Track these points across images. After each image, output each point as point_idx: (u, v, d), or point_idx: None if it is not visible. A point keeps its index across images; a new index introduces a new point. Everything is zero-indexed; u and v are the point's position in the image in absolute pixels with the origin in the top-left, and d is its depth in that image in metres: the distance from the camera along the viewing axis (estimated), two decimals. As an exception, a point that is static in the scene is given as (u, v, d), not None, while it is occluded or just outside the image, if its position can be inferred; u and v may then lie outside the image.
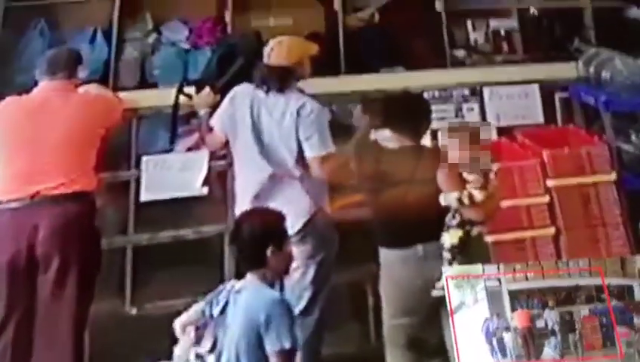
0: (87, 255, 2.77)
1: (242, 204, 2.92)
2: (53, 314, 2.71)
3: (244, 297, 2.14)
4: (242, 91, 3.03)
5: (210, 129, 3.07)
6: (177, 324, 2.20)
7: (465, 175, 2.52)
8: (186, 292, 2.81)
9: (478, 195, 2.48)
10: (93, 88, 3.21)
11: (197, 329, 2.18)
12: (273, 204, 2.65)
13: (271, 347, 2.00)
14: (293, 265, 2.42)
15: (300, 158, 2.92)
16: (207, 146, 3.17)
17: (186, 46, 4.12)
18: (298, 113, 2.89)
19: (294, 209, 2.71)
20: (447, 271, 2.54)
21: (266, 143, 2.93)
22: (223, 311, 2.16)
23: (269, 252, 2.17)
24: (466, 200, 2.47)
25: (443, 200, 2.52)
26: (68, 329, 2.71)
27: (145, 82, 4.01)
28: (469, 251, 2.52)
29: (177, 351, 2.18)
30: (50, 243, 2.71)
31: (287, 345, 2.00)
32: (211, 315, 2.17)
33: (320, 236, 2.94)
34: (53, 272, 2.70)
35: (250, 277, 2.20)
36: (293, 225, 2.62)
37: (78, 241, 2.75)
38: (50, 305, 2.71)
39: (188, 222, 3.30)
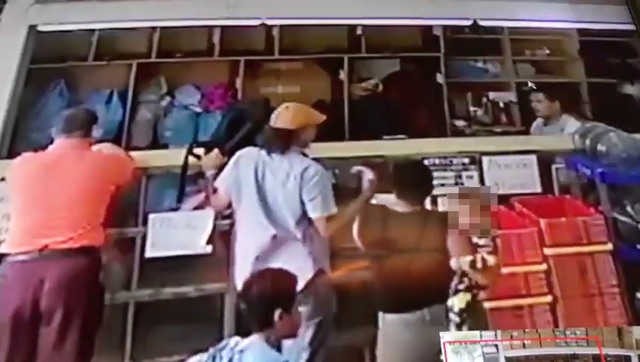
0: (90, 309, 2.82)
1: (243, 264, 2.99)
2: (53, 367, 2.73)
3: (247, 357, 2.15)
4: (247, 154, 3.14)
5: (215, 190, 3.16)
6: None
7: (475, 239, 2.58)
8: (184, 349, 2.79)
9: (491, 259, 2.57)
10: (106, 147, 3.34)
11: None
12: (275, 265, 2.73)
13: None
14: None
15: (303, 220, 3.00)
16: (212, 207, 3.25)
17: (198, 109, 4.25)
18: (302, 176, 3.00)
19: (295, 270, 2.71)
20: (445, 336, 2.56)
21: (270, 204, 3.02)
22: None
23: (276, 315, 2.20)
24: (479, 265, 2.56)
25: (454, 265, 2.59)
26: (66, 383, 2.71)
27: (156, 143, 4.13)
28: (474, 315, 2.58)
29: None
30: (55, 296, 2.76)
31: None
32: None
33: (319, 298, 2.97)
34: (56, 325, 2.73)
35: (254, 337, 2.21)
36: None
37: (82, 295, 2.80)
38: (50, 358, 2.72)
39: (190, 280, 3.33)
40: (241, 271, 2.96)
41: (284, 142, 3.06)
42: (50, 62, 4.20)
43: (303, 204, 2.99)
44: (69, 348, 2.73)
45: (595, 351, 2.50)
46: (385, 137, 4.00)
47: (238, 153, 3.17)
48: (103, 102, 4.16)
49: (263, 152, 3.10)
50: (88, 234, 2.92)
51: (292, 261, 2.87)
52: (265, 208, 3.02)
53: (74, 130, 3.11)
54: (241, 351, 2.19)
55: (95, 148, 3.23)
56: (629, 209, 3.59)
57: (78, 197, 2.96)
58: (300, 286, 2.84)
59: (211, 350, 2.24)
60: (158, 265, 3.25)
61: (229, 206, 3.17)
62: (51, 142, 3.16)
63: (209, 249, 3.21)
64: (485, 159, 3.78)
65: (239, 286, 2.92)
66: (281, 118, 3.10)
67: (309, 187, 2.99)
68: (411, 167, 3.10)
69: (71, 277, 2.79)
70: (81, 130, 3.12)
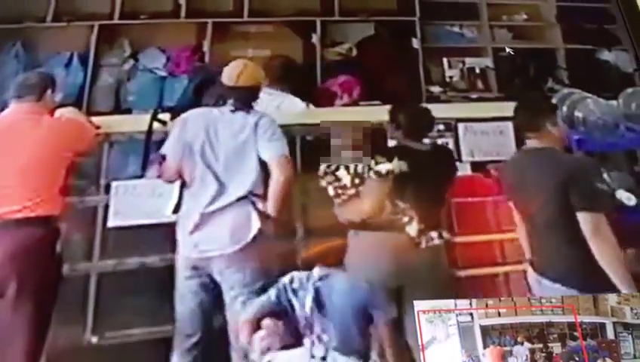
0: (46, 281, 2.71)
1: (186, 226, 2.93)
2: (8, 340, 2.62)
3: (332, 282, 2.15)
4: (195, 115, 3.05)
5: (164, 157, 3.05)
6: (245, 321, 2.14)
7: None
8: (148, 322, 2.73)
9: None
10: (68, 112, 3.19)
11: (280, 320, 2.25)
12: (221, 224, 2.78)
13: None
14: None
15: (256, 176, 2.93)
16: (163, 176, 3.11)
17: (163, 73, 4.10)
18: (256, 124, 2.95)
19: (241, 226, 2.82)
20: (419, 305, 2.51)
21: (222, 162, 2.95)
22: (318, 304, 2.22)
23: None
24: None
25: None
26: (23, 357, 2.61)
27: (119, 108, 3.97)
28: None
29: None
30: (8, 268, 2.64)
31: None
32: (292, 307, 2.25)
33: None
34: (9, 298, 2.63)
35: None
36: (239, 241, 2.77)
37: (37, 267, 2.69)
38: (4, 331, 2.62)
39: (155, 250, 3.23)
40: (184, 229, 2.91)
41: (253, 98, 3.03)
42: (6, 22, 4.01)
43: (258, 157, 2.92)
44: (24, 321, 2.63)
45: (570, 318, 2.50)
46: (360, 103, 3.94)
47: (183, 116, 3.07)
48: (62, 65, 3.99)
49: (215, 110, 3.02)
50: (45, 203, 2.80)
51: (240, 218, 2.86)
52: (217, 166, 2.94)
53: (28, 94, 2.97)
54: (321, 279, 2.17)
55: (57, 113, 3.10)
56: (605, 176, 3.58)
57: (34, 164, 2.83)
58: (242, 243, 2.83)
59: (272, 289, 2.21)
60: (121, 235, 3.14)
61: (180, 174, 3.05)
62: (6, 106, 3.01)
63: (175, 218, 3.09)
64: (461, 125, 3.73)
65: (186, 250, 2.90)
66: (245, 76, 3.04)
67: (265, 132, 2.94)
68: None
69: (24, 248, 2.67)
70: (35, 95, 2.98)
